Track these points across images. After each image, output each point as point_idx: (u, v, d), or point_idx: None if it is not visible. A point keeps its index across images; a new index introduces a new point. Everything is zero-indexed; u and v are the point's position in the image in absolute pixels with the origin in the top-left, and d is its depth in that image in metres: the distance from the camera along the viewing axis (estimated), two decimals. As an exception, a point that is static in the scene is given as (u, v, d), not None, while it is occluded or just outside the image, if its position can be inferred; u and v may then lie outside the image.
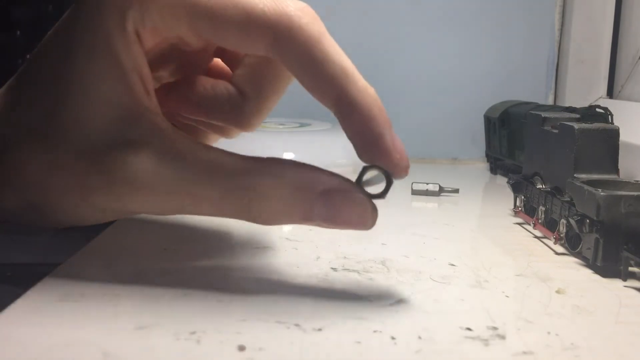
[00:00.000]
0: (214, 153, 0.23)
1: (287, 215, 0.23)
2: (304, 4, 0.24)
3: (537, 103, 0.58)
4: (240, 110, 0.29)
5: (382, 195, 0.24)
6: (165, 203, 0.23)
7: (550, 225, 0.35)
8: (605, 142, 0.33)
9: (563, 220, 0.33)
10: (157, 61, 0.27)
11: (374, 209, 0.24)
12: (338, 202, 0.23)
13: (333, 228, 0.23)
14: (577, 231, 0.31)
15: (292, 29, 0.23)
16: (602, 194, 0.29)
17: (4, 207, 0.25)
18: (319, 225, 0.23)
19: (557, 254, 0.33)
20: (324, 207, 0.23)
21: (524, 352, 0.21)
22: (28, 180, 0.24)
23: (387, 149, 0.23)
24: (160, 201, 0.23)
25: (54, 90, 0.23)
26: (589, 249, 0.30)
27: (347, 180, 0.24)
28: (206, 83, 0.30)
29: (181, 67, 0.29)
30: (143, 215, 0.37)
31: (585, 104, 0.66)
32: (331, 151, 0.48)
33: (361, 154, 0.24)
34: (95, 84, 0.23)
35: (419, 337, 0.21)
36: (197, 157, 0.23)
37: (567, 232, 0.33)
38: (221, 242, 0.33)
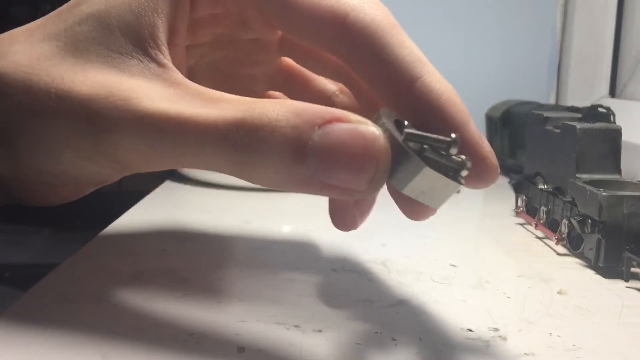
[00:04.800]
0: (218, 92, 0.21)
1: (279, 146, 0.18)
2: None
3: (538, 102, 0.58)
4: None
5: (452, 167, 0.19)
6: (147, 132, 0.20)
7: (552, 225, 0.35)
8: (607, 142, 0.33)
9: (565, 221, 0.33)
10: (208, 39, 0.26)
11: (385, 153, 0.19)
12: (338, 130, 0.18)
13: (326, 179, 0.19)
14: (579, 232, 0.31)
15: (367, 14, 0.22)
16: (604, 194, 0.29)
17: None
18: (311, 177, 0.19)
19: (558, 254, 0.33)
20: (322, 135, 0.18)
21: (526, 354, 0.20)
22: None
23: (475, 139, 0.21)
24: (142, 128, 0.20)
25: None
26: (590, 249, 0.30)
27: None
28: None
29: (234, 55, 0.28)
30: (142, 215, 0.37)
31: (588, 104, 0.66)
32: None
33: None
34: None
35: (420, 339, 0.21)
36: (200, 90, 0.21)
37: (569, 233, 0.33)
38: (220, 242, 0.33)
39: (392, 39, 0.21)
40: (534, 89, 0.68)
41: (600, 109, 0.48)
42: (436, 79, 0.21)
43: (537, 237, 0.36)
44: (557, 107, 0.54)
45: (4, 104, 0.22)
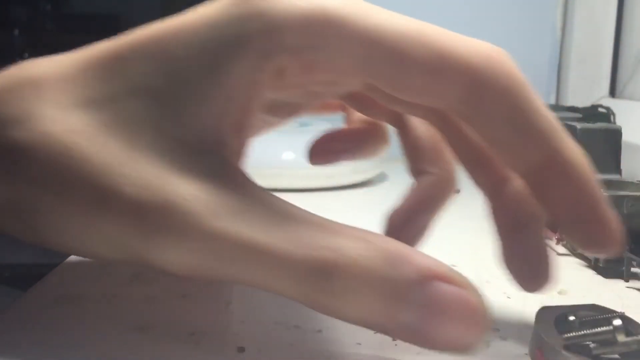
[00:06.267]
0: (285, 203, 0.18)
1: (370, 296, 0.17)
2: (497, 47, 0.19)
3: (538, 102, 0.58)
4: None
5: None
6: (207, 252, 0.17)
7: (552, 225, 0.35)
8: (607, 142, 0.33)
9: (565, 221, 0.33)
10: (282, 100, 0.23)
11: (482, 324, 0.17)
12: (444, 294, 0.16)
13: (418, 339, 0.17)
14: (579, 231, 0.31)
15: (497, 73, 0.19)
16: (604, 194, 0.29)
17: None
18: (401, 329, 0.17)
19: (559, 254, 0.33)
20: (421, 295, 0.16)
21: (526, 354, 0.20)
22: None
23: (606, 219, 0.19)
24: (202, 247, 0.17)
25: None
26: (591, 249, 0.30)
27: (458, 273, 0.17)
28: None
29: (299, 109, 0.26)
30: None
31: (588, 104, 0.66)
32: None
33: (569, 227, 0.20)
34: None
35: (420, 339, 0.21)
36: (268, 200, 0.18)
37: (569, 233, 0.33)
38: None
39: (528, 104, 0.19)
40: (534, 89, 0.68)
41: (600, 109, 0.48)
42: (571, 150, 0.19)
43: (537, 237, 0.36)
44: (557, 107, 0.54)
45: (22, 180, 0.18)
